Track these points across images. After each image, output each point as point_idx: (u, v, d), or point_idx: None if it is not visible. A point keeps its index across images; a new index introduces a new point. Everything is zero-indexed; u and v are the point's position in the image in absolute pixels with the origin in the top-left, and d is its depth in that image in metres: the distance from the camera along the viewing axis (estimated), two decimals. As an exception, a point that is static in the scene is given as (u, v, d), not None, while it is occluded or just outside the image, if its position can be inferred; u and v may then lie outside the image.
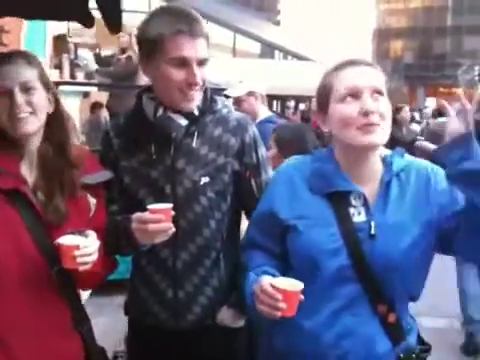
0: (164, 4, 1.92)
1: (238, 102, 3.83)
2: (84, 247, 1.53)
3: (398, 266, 1.52)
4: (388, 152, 1.65)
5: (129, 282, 2.04)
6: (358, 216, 1.58)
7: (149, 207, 1.64)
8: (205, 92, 1.92)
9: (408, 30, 58.94)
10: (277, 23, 42.13)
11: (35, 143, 1.69)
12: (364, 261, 1.53)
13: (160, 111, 1.85)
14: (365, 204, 1.58)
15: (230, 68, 9.02)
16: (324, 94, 1.62)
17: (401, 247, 1.52)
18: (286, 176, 1.69)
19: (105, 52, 7.29)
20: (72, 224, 1.65)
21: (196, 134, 1.87)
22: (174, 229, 1.66)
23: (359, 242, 1.54)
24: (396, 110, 9.04)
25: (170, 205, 1.66)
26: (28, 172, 1.67)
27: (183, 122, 1.85)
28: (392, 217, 1.55)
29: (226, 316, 1.92)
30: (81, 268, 1.55)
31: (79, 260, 1.52)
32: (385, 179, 1.59)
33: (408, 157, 1.67)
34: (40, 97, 1.66)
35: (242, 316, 1.94)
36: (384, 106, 1.55)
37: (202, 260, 1.89)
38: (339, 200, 1.59)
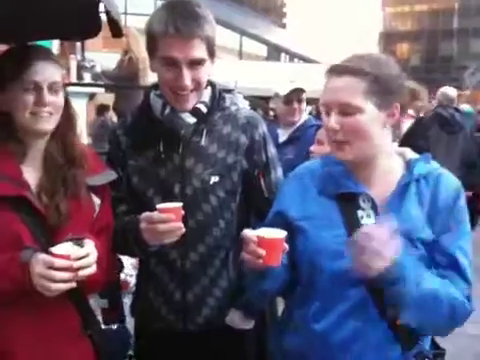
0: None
1: (288, 101, 3.86)
2: (76, 258, 1.47)
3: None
4: (415, 156, 1.62)
5: (136, 284, 2.02)
6: (367, 218, 1.55)
7: (158, 206, 1.60)
8: (213, 89, 1.89)
9: (414, 33, 58.88)
10: (283, 26, 42.17)
11: (43, 142, 1.67)
12: None
13: (168, 109, 1.82)
14: (374, 207, 1.55)
15: (237, 70, 9.02)
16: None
17: (406, 250, 1.47)
18: (298, 178, 1.69)
19: (112, 69, 7.29)
20: (75, 225, 1.62)
21: (205, 132, 1.84)
22: (184, 229, 1.62)
23: None
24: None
25: (180, 204, 1.61)
26: (31, 173, 1.65)
27: (191, 120, 1.83)
28: (402, 220, 1.51)
29: (236, 317, 1.90)
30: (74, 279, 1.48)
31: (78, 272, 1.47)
32: (402, 182, 1.56)
33: (434, 164, 1.62)
34: (61, 99, 1.66)
35: (252, 317, 1.92)
36: (354, 122, 1.50)
37: (211, 260, 1.86)
38: (347, 202, 1.57)
